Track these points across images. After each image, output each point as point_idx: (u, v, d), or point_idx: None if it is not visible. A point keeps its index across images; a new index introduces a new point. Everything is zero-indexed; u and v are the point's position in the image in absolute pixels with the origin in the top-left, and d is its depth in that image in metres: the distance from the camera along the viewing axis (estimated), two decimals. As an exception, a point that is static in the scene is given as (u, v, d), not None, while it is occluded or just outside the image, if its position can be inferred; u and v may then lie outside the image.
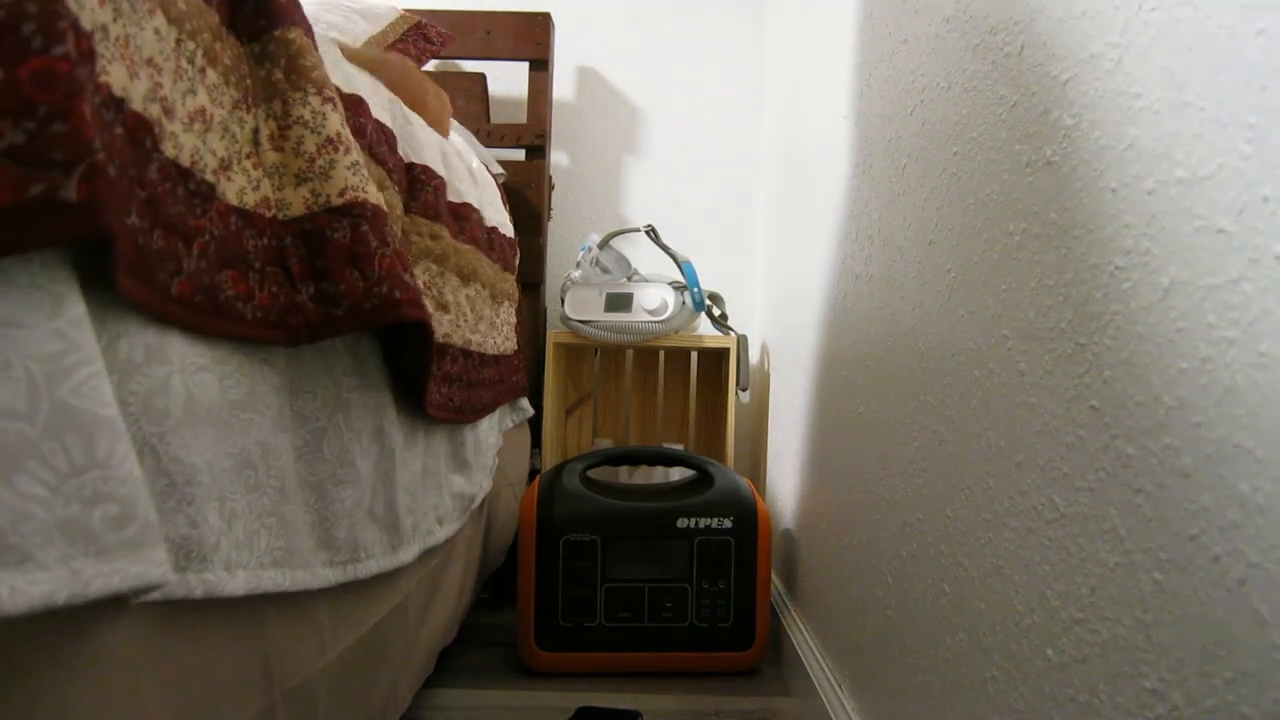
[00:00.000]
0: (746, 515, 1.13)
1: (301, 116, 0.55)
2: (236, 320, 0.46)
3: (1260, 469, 0.31)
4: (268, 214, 0.51)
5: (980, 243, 0.56)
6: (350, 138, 0.58)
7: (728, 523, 1.13)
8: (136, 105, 0.39)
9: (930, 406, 0.65)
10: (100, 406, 0.33)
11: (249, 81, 0.53)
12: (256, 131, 0.52)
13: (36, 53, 0.31)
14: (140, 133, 0.39)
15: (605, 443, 1.69)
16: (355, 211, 0.55)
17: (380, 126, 0.75)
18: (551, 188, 1.73)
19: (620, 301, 1.42)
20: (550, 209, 1.73)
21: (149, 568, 0.35)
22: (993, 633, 0.52)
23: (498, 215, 1.21)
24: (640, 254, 1.63)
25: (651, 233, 1.47)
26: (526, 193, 1.63)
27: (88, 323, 0.33)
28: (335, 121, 0.56)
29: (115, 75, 0.37)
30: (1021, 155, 0.51)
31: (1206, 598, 0.33)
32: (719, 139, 1.84)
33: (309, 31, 0.58)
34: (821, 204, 1.11)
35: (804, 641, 1.05)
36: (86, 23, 0.35)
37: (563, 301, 1.44)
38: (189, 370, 0.43)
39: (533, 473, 1.55)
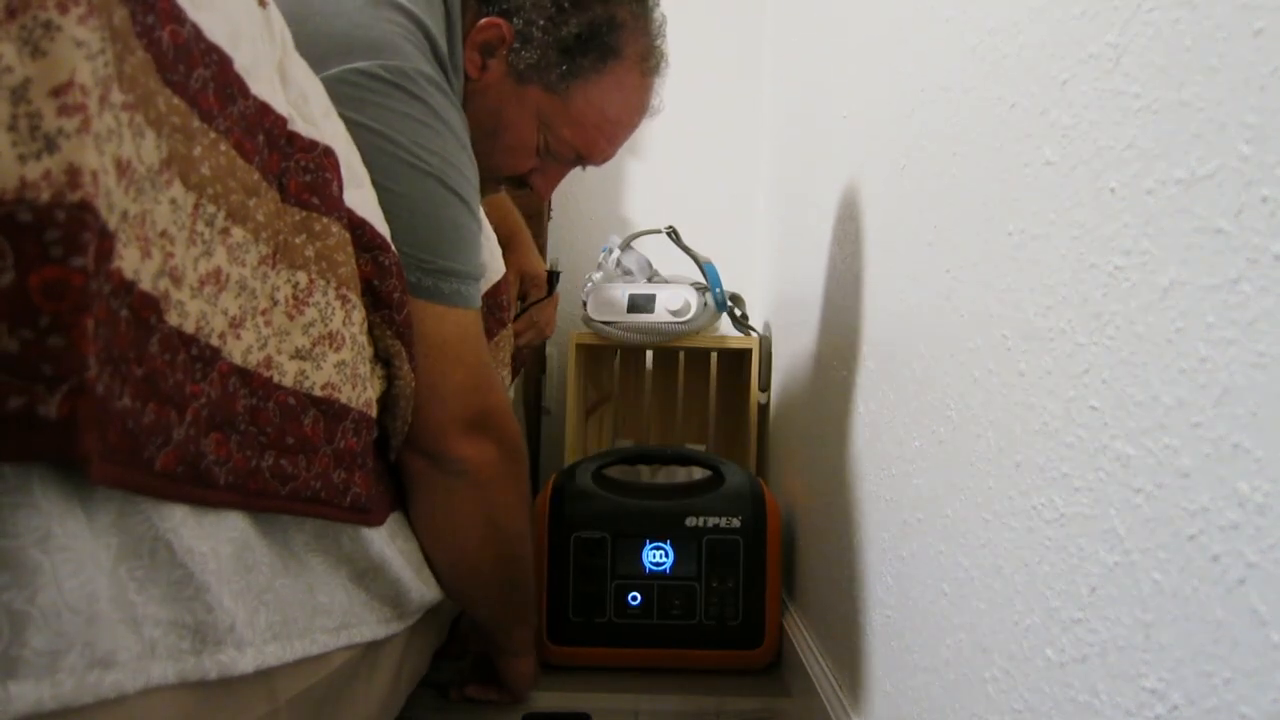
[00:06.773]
0: (756, 514, 1.13)
1: (319, 302, 0.56)
2: (211, 487, 0.45)
3: (1259, 469, 0.31)
4: (265, 373, 0.51)
5: (979, 243, 0.57)
6: (356, 336, 0.60)
7: (736, 522, 1.13)
8: (146, 285, 0.38)
9: (930, 406, 0.65)
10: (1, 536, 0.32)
11: (282, 237, 0.53)
12: (276, 290, 0.52)
13: (54, 261, 0.30)
14: (146, 311, 0.38)
15: (626, 443, 1.69)
16: (323, 407, 0.57)
17: None
18: (551, 188, 1.73)
19: (643, 302, 1.43)
20: (550, 209, 1.73)
21: None
22: (993, 633, 0.52)
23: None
24: (660, 254, 1.63)
25: (673, 234, 1.47)
26: (527, 193, 1.62)
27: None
28: (338, 320, 0.58)
29: (128, 259, 0.36)
30: (1020, 156, 0.51)
31: (1206, 597, 0.33)
32: (719, 139, 1.84)
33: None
34: (821, 204, 1.11)
35: (804, 641, 1.05)
36: (114, 221, 0.34)
37: (584, 303, 1.45)
38: None
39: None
